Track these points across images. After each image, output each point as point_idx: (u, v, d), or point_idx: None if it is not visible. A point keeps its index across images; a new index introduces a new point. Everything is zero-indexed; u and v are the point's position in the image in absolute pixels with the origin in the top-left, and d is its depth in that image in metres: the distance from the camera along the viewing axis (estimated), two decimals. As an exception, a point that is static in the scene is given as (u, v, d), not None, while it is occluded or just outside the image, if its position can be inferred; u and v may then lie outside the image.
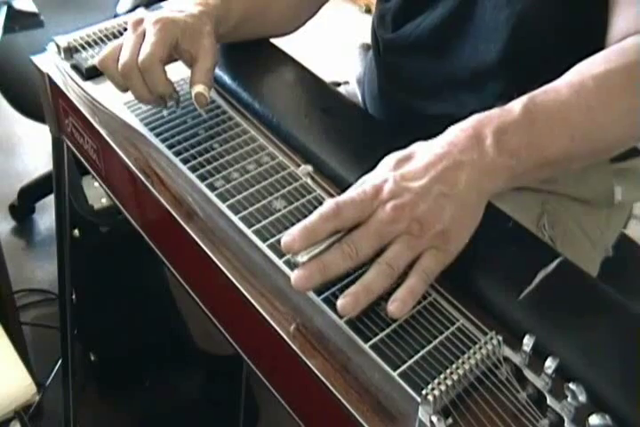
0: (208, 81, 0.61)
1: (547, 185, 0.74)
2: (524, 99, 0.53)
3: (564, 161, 0.55)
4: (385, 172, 0.50)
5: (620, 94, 0.56)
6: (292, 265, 0.47)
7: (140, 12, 0.73)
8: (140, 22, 0.61)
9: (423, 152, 0.51)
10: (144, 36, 0.60)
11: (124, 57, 0.59)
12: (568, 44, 0.64)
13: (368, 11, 2.53)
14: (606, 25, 0.63)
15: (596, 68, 0.56)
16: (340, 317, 0.46)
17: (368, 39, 0.91)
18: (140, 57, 0.58)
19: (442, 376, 0.42)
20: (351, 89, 0.96)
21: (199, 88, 0.59)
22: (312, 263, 0.46)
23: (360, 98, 0.93)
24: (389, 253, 0.47)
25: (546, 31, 0.67)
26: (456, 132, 0.51)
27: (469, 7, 0.70)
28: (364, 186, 0.49)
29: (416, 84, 0.78)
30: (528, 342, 0.43)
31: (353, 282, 0.47)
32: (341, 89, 0.97)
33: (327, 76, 0.74)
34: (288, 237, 0.46)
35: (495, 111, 0.52)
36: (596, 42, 0.61)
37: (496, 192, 0.52)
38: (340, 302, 0.45)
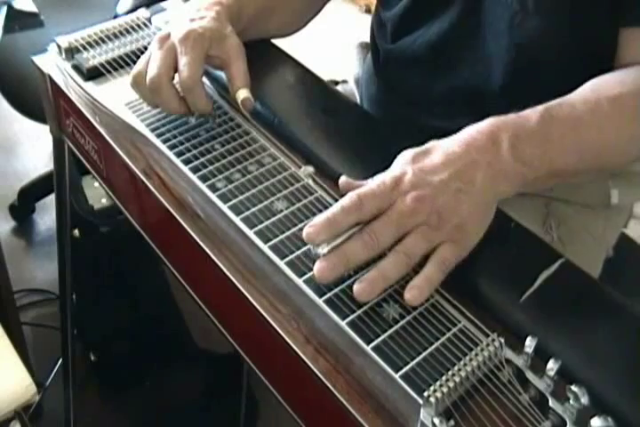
0: (248, 83, 0.61)
1: (544, 190, 0.75)
2: (540, 109, 0.54)
3: (571, 174, 0.57)
4: (403, 165, 0.51)
5: (631, 118, 0.57)
6: (314, 257, 0.47)
7: (142, 10, 0.73)
8: (166, 38, 0.61)
9: (441, 149, 0.52)
10: (172, 52, 0.60)
11: (152, 72, 0.59)
12: (568, 72, 0.65)
13: (368, 11, 2.53)
14: (608, 54, 0.64)
15: (612, 89, 0.58)
16: (342, 318, 0.46)
17: (367, 39, 0.91)
18: (182, 78, 0.59)
19: (444, 378, 0.42)
20: (349, 88, 0.96)
21: (244, 93, 0.60)
22: (334, 254, 0.46)
23: (358, 98, 0.93)
24: (407, 242, 0.48)
25: (546, 61, 0.68)
26: (473, 133, 0.52)
27: (468, 29, 0.70)
28: (383, 177, 0.50)
29: (413, 96, 0.79)
30: (530, 344, 0.43)
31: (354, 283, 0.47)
32: (339, 88, 0.97)
33: (325, 75, 0.74)
34: (310, 228, 0.47)
35: (512, 117, 0.53)
36: (597, 70, 0.62)
37: (506, 196, 0.53)
38: (356, 288, 0.46)
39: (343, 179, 0.54)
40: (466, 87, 0.72)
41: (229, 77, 0.62)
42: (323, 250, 0.46)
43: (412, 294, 0.46)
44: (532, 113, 0.54)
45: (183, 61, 0.59)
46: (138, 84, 0.61)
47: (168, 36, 0.61)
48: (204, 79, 0.67)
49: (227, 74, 0.62)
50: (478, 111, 0.55)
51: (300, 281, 0.48)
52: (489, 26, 0.68)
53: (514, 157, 0.51)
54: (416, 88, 0.78)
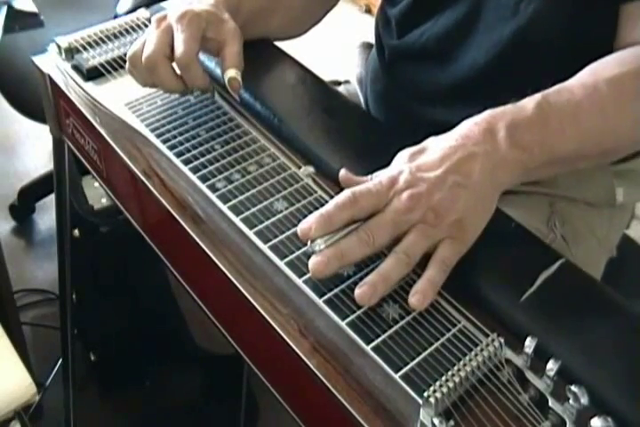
0: (239, 64, 0.61)
1: (549, 188, 0.75)
2: (537, 97, 0.54)
3: (573, 160, 0.56)
4: (400, 164, 0.51)
5: (632, 98, 0.57)
6: (310, 253, 0.47)
7: (142, 11, 0.73)
8: (163, 18, 0.62)
9: (437, 145, 0.52)
10: (169, 31, 0.60)
11: (148, 51, 0.59)
12: (569, 58, 0.65)
13: (368, 11, 2.53)
14: (608, 37, 0.63)
15: (610, 70, 0.57)
16: (342, 318, 0.46)
17: (368, 39, 0.91)
18: (177, 55, 0.59)
19: (443, 378, 0.42)
20: (352, 88, 0.96)
21: (232, 73, 0.60)
22: (329, 250, 0.46)
23: (362, 97, 0.93)
24: (405, 242, 0.48)
25: (547, 46, 0.68)
26: (470, 126, 0.52)
27: (473, 18, 0.70)
28: (379, 177, 0.50)
29: (420, 90, 0.79)
30: (530, 344, 0.43)
31: (355, 283, 0.47)
32: (342, 88, 0.97)
33: (327, 75, 0.74)
34: (304, 224, 0.47)
35: (509, 107, 0.53)
36: (598, 55, 0.61)
37: (507, 186, 0.53)
38: (357, 292, 0.46)
39: (343, 172, 0.54)
40: (469, 78, 0.72)
41: (222, 58, 0.62)
42: (319, 247, 0.46)
43: (416, 299, 0.46)
44: (530, 101, 0.54)
45: (179, 38, 0.59)
46: (134, 64, 0.61)
47: (165, 17, 0.62)
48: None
49: (220, 55, 0.62)
50: (481, 102, 0.55)
51: (299, 281, 0.48)
52: (492, 14, 0.68)
53: (511, 144, 0.51)
54: (423, 82, 0.78)
